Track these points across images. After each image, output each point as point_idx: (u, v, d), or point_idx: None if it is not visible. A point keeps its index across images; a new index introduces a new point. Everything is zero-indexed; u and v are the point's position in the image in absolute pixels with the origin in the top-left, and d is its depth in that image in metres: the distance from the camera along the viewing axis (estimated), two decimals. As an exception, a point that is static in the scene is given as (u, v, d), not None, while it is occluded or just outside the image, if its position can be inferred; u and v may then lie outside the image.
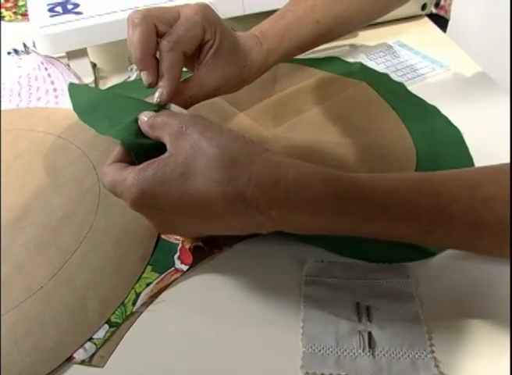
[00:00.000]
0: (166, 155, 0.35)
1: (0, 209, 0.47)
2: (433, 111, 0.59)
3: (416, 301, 0.38)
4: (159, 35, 0.41)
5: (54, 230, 0.45)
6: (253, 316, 0.38)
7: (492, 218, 0.34)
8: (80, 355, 0.36)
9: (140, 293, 0.40)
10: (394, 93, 0.62)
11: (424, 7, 0.78)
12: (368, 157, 0.52)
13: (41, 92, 0.65)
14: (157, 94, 0.41)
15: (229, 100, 0.59)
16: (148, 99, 0.42)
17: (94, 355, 0.36)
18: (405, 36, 0.75)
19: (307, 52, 0.57)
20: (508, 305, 0.37)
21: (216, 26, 0.43)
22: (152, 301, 0.40)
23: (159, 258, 0.43)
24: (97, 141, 0.53)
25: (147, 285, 0.41)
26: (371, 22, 0.66)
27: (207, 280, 0.41)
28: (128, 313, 0.39)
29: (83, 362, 0.36)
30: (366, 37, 0.74)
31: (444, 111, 0.59)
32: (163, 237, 0.44)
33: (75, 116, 0.42)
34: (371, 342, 0.35)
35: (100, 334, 0.37)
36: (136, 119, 0.39)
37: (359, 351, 0.35)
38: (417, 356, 0.34)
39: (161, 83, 0.41)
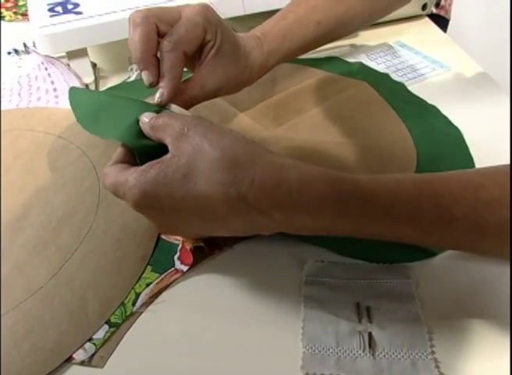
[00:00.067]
0: (168, 156, 0.35)
1: (0, 209, 0.47)
2: (433, 111, 0.59)
3: (416, 301, 0.38)
4: (160, 35, 0.41)
5: (54, 230, 0.45)
6: (253, 316, 0.38)
7: (494, 220, 0.34)
8: (79, 355, 0.36)
9: (140, 293, 0.40)
10: (394, 93, 0.62)
11: (424, 7, 0.78)
12: (368, 157, 0.52)
13: (41, 92, 0.65)
14: (157, 95, 0.41)
15: (230, 100, 0.59)
16: (148, 100, 0.42)
17: (93, 355, 0.36)
18: (405, 36, 0.75)
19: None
20: (508, 306, 0.37)
21: (217, 27, 0.43)
22: (152, 302, 0.40)
23: (159, 258, 0.43)
24: (97, 141, 0.53)
25: (147, 285, 0.41)
26: (372, 23, 0.66)
27: (207, 281, 0.41)
28: (128, 313, 0.39)
29: (82, 363, 0.36)
30: (366, 37, 0.74)
31: (444, 111, 0.59)
32: (163, 237, 0.44)
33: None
34: (371, 343, 0.35)
35: (100, 335, 0.37)
36: (138, 121, 0.39)
37: (359, 351, 0.35)
38: (417, 357, 0.34)
39: (161, 84, 0.41)
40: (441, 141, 0.54)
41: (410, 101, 0.61)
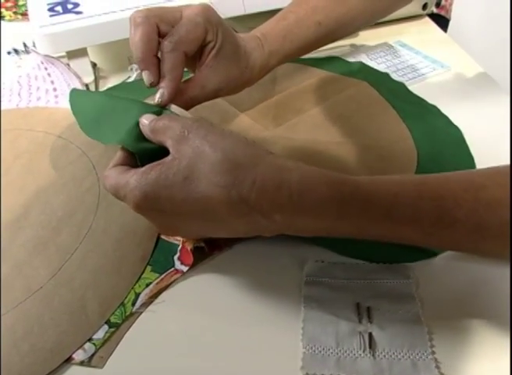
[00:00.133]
0: (169, 158, 0.35)
1: (0, 209, 0.47)
2: (434, 111, 0.59)
3: (417, 301, 0.38)
4: (161, 35, 0.41)
5: (53, 230, 0.45)
6: (253, 316, 0.38)
7: (495, 221, 0.34)
8: (79, 355, 0.36)
9: (140, 293, 0.40)
10: (395, 92, 0.62)
11: (425, 7, 0.78)
12: (368, 157, 0.52)
13: (41, 92, 0.65)
14: (158, 95, 0.40)
15: (230, 100, 0.59)
16: (149, 100, 0.42)
17: (93, 355, 0.36)
18: (406, 36, 0.75)
19: (307, 52, 0.57)
20: (508, 306, 0.37)
21: (218, 28, 0.43)
22: (152, 302, 0.40)
23: (159, 258, 0.43)
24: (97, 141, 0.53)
25: (147, 285, 0.41)
26: (373, 23, 0.66)
27: (207, 281, 0.41)
28: (127, 314, 0.39)
29: (82, 363, 0.36)
30: (367, 36, 0.74)
31: (445, 111, 0.59)
32: (163, 237, 0.44)
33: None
34: (371, 343, 0.35)
35: (99, 335, 0.37)
36: (138, 123, 0.39)
37: (359, 352, 0.35)
38: (417, 357, 0.34)
39: (162, 84, 0.41)
40: (441, 141, 0.54)
41: (411, 101, 0.61)
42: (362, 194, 0.36)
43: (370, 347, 0.35)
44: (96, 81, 0.68)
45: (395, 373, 0.34)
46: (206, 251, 0.42)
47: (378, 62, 0.69)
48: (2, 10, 0.89)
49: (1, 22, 0.87)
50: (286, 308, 0.38)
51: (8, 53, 0.75)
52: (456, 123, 0.57)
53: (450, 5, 0.97)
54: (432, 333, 0.36)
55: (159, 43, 0.41)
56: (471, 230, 0.34)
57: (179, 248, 0.43)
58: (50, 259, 0.42)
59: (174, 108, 0.41)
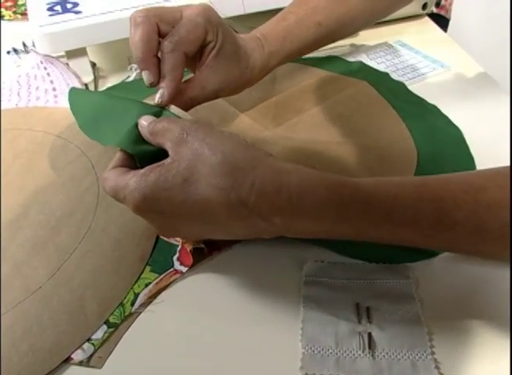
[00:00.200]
0: (168, 160, 0.35)
1: (-2, 209, 0.47)
2: (434, 110, 0.59)
3: (416, 302, 0.38)
4: (161, 35, 0.41)
5: (52, 230, 0.45)
6: (252, 316, 0.38)
7: (495, 223, 0.34)
8: (78, 355, 0.36)
9: (139, 293, 0.40)
10: (394, 92, 0.62)
11: (424, 6, 0.78)
12: (368, 157, 0.52)
13: (40, 91, 0.65)
14: (158, 95, 0.40)
15: (230, 100, 0.59)
16: (148, 100, 0.42)
17: (92, 355, 0.36)
18: (406, 35, 0.75)
19: (307, 52, 0.57)
20: (508, 306, 0.37)
21: (218, 28, 0.43)
22: (151, 302, 0.40)
23: (158, 258, 0.43)
24: (96, 140, 0.53)
25: (146, 286, 0.40)
26: (373, 23, 0.66)
27: (206, 281, 0.41)
28: (127, 314, 0.39)
29: (81, 363, 0.36)
30: (367, 36, 0.74)
31: (445, 111, 0.59)
32: (162, 237, 0.44)
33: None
34: (371, 343, 0.35)
35: (98, 335, 0.37)
36: (137, 124, 0.39)
37: (359, 352, 0.35)
38: (417, 357, 0.34)
39: (162, 84, 0.41)
40: (441, 141, 0.54)
41: (411, 101, 0.61)
42: (362, 196, 0.35)
43: (369, 347, 0.35)
44: (95, 81, 0.68)
45: (394, 373, 0.33)
46: (205, 252, 0.42)
47: (378, 62, 0.69)
48: (2, 10, 0.89)
49: (1, 21, 0.86)
50: (286, 309, 0.38)
51: (8, 53, 0.75)
52: (456, 122, 0.57)
53: (450, 4, 0.97)
54: (432, 333, 0.36)
55: (159, 43, 0.41)
56: (471, 231, 0.34)
57: (179, 248, 0.43)
58: (49, 259, 0.42)
59: (173, 108, 0.41)
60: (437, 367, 0.34)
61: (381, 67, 0.68)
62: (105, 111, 0.42)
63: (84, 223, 0.45)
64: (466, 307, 0.38)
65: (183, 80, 0.43)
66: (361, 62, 0.67)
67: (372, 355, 0.34)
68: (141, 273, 0.41)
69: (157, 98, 0.40)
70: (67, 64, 0.66)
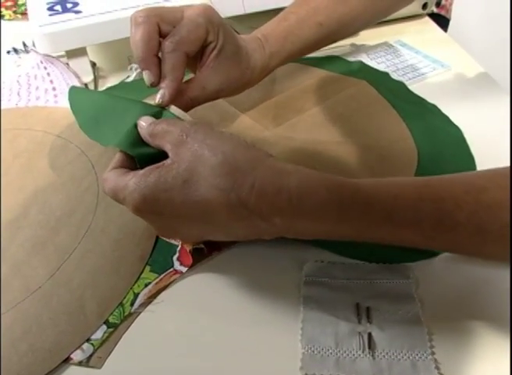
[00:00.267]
0: (168, 161, 0.35)
1: (-2, 209, 0.47)
2: (434, 110, 0.59)
3: (416, 302, 0.38)
4: (162, 35, 0.41)
5: (52, 230, 0.45)
6: (252, 316, 0.38)
7: (496, 224, 0.33)
8: (77, 355, 0.36)
9: (139, 293, 0.40)
10: (395, 92, 0.62)
11: (425, 6, 0.78)
12: (369, 157, 0.52)
13: (40, 91, 0.65)
14: (159, 95, 0.40)
15: (230, 100, 0.59)
16: (148, 100, 0.42)
17: (91, 355, 0.36)
18: (406, 35, 0.75)
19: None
20: (508, 306, 0.37)
21: (219, 28, 0.43)
22: (151, 302, 0.40)
23: (158, 258, 0.42)
24: (96, 140, 0.53)
25: (146, 286, 0.40)
26: (374, 23, 0.66)
27: (206, 281, 0.41)
28: (126, 314, 0.39)
29: (80, 363, 0.36)
30: (367, 36, 0.73)
31: (445, 111, 0.59)
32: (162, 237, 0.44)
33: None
34: (371, 343, 0.35)
35: (98, 335, 0.37)
36: (136, 125, 0.39)
37: (359, 352, 0.35)
38: (417, 358, 0.34)
39: (163, 84, 0.40)
40: (442, 141, 0.54)
41: (411, 101, 0.61)
42: (362, 197, 0.35)
43: (369, 347, 0.35)
44: (95, 81, 0.68)
45: (394, 373, 0.33)
46: (205, 252, 0.42)
47: (378, 62, 0.69)
48: (2, 9, 0.89)
49: (1, 21, 0.86)
50: (285, 309, 0.38)
51: (8, 52, 0.75)
52: (456, 122, 0.57)
53: (450, 4, 0.96)
54: (432, 333, 0.36)
55: (160, 43, 0.41)
56: (472, 232, 0.34)
57: (179, 248, 0.43)
58: (48, 259, 0.42)
59: (174, 109, 0.41)
60: (437, 367, 0.34)
61: (381, 67, 0.68)
62: (105, 110, 0.42)
63: (84, 222, 0.45)
64: (466, 307, 0.38)
65: (184, 80, 0.43)
66: (361, 62, 0.67)
67: (372, 356, 0.34)
68: (141, 273, 0.41)
69: (158, 98, 0.40)
70: (67, 64, 0.66)
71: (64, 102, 0.63)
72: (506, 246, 0.34)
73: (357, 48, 0.72)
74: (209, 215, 0.35)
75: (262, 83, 0.53)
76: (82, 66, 0.66)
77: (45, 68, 0.68)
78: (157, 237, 0.44)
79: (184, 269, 0.41)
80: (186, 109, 0.42)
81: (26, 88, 0.66)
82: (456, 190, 0.35)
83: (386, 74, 0.65)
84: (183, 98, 0.43)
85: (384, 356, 0.34)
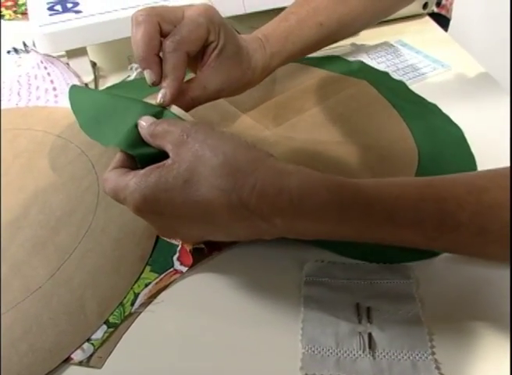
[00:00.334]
0: (169, 162, 0.35)
1: (-2, 209, 0.47)
2: (434, 110, 0.59)
3: (417, 302, 0.38)
4: (163, 35, 0.41)
5: (52, 230, 0.45)
6: (252, 316, 0.38)
7: (497, 224, 0.33)
8: (77, 355, 0.36)
9: (139, 293, 0.40)
10: (395, 91, 0.62)
11: (425, 6, 0.78)
12: (369, 157, 0.52)
13: (41, 91, 0.65)
14: (160, 95, 0.40)
15: (230, 100, 0.59)
16: (148, 99, 0.42)
17: (91, 355, 0.36)
18: (406, 35, 0.75)
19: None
20: (509, 306, 0.37)
21: (220, 28, 0.43)
22: (151, 302, 0.40)
23: (158, 258, 0.42)
24: (96, 140, 0.53)
25: (146, 285, 0.40)
26: (374, 23, 0.66)
27: (206, 281, 0.41)
28: (126, 314, 0.39)
29: (80, 363, 0.36)
30: (367, 36, 0.73)
31: (445, 111, 0.59)
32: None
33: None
34: (371, 343, 0.35)
35: (98, 335, 0.37)
36: (137, 125, 0.39)
37: (359, 352, 0.35)
38: (417, 358, 0.34)
39: (164, 84, 0.40)
40: (442, 140, 0.54)
41: (411, 100, 0.61)
42: (363, 197, 0.35)
43: (370, 347, 0.35)
44: (95, 80, 0.68)
45: (395, 373, 0.33)
46: (205, 252, 0.42)
47: (378, 62, 0.69)
48: (2, 9, 0.89)
49: (1, 21, 0.86)
50: (286, 309, 0.38)
51: (8, 52, 0.75)
52: (456, 122, 0.57)
53: (451, 4, 0.96)
54: (433, 333, 0.36)
55: (161, 42, 0.41)
56: (474, 233, 0.34)
57: (179, 248, 0.43)
58: (49, 259, 0.42)
59: (174, 109, 0.41)
60: (437, 367, 0.34)
61: (381, 67, 0.67)
62: (106, 110, 0.42)
63: (84, 222, 0.45)
64: (467, 307, 0.38)
65: (185, 80, 0.43)
66: (361, 62, 0.67)
67: (373, 356, 0.34)
68: (141, 273, 0.41)
69: (159, 97, 0.40)
70: (67, 64, 0.66)
71: (64, 102, 0.63)
72: (506, 246, 0.34)
73: (358, 48, 0.72)
74: (210, 215, 0.35)
75: (263, 83, 0.53)
76: (82, 65, 0.66)
77: (45, 68, 0.67)
78: (157, 237, 0.44)
79: (184, 269, 0.41)
80: (187, 109, 0.42)
81: (26, 88, 0.66)
82: (458, 190, 0.35)
83: (386, 74, 0.65)
84: (184, 98, 0.43)
85: (384, 356, 0.34)
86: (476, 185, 0.35)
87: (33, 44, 0.71)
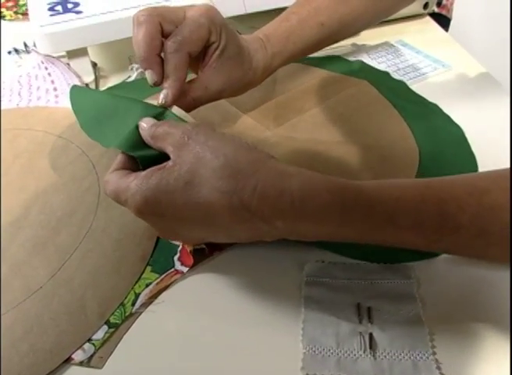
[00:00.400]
0: (170, 163, 0.35)
1: (-1, 209, 0.47)
2: (435, 109, 0.59)
3: (418, 302, 0.38)
4: (164, 35, 0.41)
5: (53, 230, 0.45)
6: (253, 317, 0.38)
7: (497, 226, 0.33)
8: (78, 355, 0.36)
9: (140, 293, 0.40)
10: (395, 91, 0.62)
11: (426, 6, 0.78)
12: (370, 157, 0.52)
13: (41, 91, 0.65)
14: (162, 96, 0.40)
15: (231, 100, 0.59)
16: (149, 100, 0.42)
17: (92, 356, 0.36)
18: (407, 35, 0.75)
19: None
20: (509, 307, 0.37)
21: (222, 29, 0.43)
22: (151, 302, 0.40)
23: (159, 258, 0.42)
24: (97, 140, 0.53)
25: (147, 286, 0.40)
26: (375, 23, 0.66)
27: (206, 281, 0.41)
28: (127, 314, 0.39)
29: (81, 363, 0.36)
30: (368, 36, 0.73)
31: (446, 111, 0.59)
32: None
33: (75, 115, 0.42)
34: (372, 344, 0.35)
35: (99, 335, 0.37)
36: (138, 126, 0.39)
37: (360, 352, 0.35)
38: (418, 358, 0.34)
39: (166, 85, 0.40)
40: (443, 140, 0.54)
41: (412, 100, 0.61)
42: (364, 199, 0.35)
43: (370, 347, 0.35)
44: (96, 81, 0.68)
45: (395, 373, 0.33)
46: (206, 252, 0.42)
47: (379, 62, 0.69)
48: (3, 10, 0.89)
49: (2, 21, 0.87)
50: (286, 309, 0.38)
51: (9, 53, 0.75)
52: (457, 122, 0.57)
53: (451, 4, 0.96)
54: (433, 333, 0.36)
55: (162, 43, 0.41)
56: (474, 235, 0.34)
57: (180, 248, 0.43)
58: (49, 259, 0.42)
59: (176, 109, 0.41)
60: (438, 367, 0.34)
61: (382, 67, 0.67)
62: (107, 111, 0.42)
63: (85, 223, 0.45)
64: (467, 307, 0.38)
65: (186, 80, 0.43)
66: (362, 62, 0.67)
67: (373, 356, 0.34)
68: (142, 273, 0.41)
69: (161, 98, 0.40)
70: (68, 64, 0.66)
71: (65, 102, 0.63)
72: (507, 248, 0.33)
73: (358, 48, 0.72)
74: (211, 217, 0.35)
75: (264, 83, 0.53)
76: (83, 66, 0.66)
77: (46, 68, 0.68)
78: (158, 237, 0.44)
79: (185, 270, 0.41)
80: (188, 109, 0.42)
81: (27, 88, 0.66)
82: (459, 192, 0.35)
83: (387, 74, 0.65)
84: (186, 99, 0.43)
85: (385, 356, 0.34)
86: (477, 187, 0.35)
87: (34, 45, 0.71)
